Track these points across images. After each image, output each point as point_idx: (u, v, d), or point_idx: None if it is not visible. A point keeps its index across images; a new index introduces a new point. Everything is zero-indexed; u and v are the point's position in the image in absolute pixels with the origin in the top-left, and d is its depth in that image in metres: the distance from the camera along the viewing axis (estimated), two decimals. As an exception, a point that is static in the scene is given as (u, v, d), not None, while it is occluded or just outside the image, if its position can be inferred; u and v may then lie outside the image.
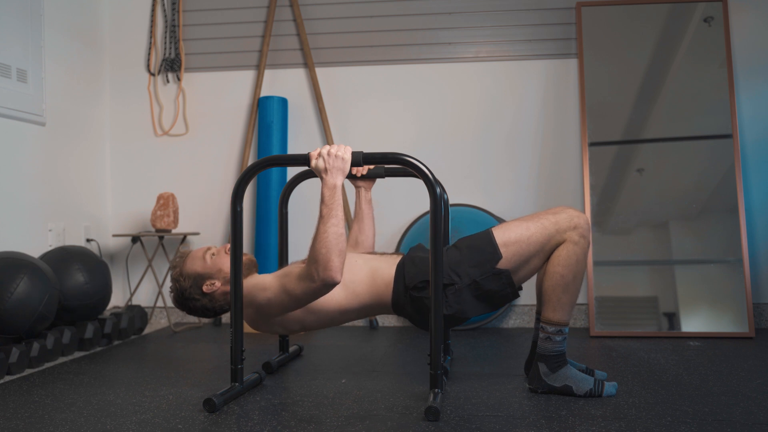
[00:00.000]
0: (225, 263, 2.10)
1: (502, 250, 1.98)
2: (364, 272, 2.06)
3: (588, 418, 1.74)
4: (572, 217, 1.98)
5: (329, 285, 1.89)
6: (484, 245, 2.00)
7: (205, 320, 3.51)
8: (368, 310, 2.09)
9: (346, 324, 3.42)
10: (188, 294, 2.10)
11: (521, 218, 2.05)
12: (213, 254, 2.12)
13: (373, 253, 2.18)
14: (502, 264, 1.97)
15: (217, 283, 2.09)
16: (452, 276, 1.97)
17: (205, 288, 2.08)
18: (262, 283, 2.03)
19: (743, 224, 3.06)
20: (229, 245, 2.13)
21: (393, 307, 2.06)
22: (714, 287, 3.09)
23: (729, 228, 3.09)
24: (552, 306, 1.97)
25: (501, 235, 2.00)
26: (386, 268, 2.07)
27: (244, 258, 2.08)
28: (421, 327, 2.06)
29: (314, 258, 1.88)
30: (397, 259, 2.10)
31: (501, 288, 1.98)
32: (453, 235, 2.85)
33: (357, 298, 2.05)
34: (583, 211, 3.22)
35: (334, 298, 2.04)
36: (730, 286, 3.05)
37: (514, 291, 2.01)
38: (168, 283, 3.54)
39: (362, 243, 2.37)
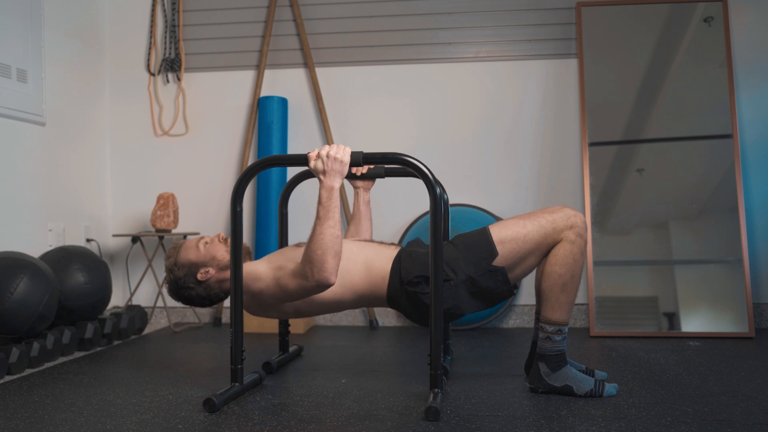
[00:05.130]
0: (218, 251, 2.10)
1: (498, 247, 1.98)
2: (359, 262, 2.06)
3: (588, 418, 1.74)
4: (569, 216, 1.98)
5: (323, 286, 1.91)
6: (481, 242, 2.00)
7: (205, 320, 3.51)
8: (363, 301, 2.10)
9: (346, 324, 3.43)
10: (183, 283, 2.10)
11: (518, 216, 2.05)
12: (206, 243, 2.12)
13: (370, 241, 2.17)
14: (498, 261, 1.98)
15: (212, 271, 2.09)
16: (448, 272, 1.97)
17: (199, 276, 2.09)
18: (255, 273, 2.03)
19: (743, 224, 3.06)
20: (222, 233, 2.16)
21: (388, 301, 2.07)
22: (714, 287, 3.09)
23: (729, 228, 3.09)
24: (551, 306, 1.97)
25: (498, 232, 2.00)
26: (382, 260, 2.06)
27: None
28: (415, 321, 2.07)
29: (309, 258, 1.89)
30: (394, 250, 2.09)
31: (497, 286, 1.99)
32: (453, 235, 2.84)
33: (353, 287, 2.05)
34: (583, 211, 3.22)
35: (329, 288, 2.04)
36: (730, 286, 3.05)
37: (510, 289, 2.01)
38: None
39: None
